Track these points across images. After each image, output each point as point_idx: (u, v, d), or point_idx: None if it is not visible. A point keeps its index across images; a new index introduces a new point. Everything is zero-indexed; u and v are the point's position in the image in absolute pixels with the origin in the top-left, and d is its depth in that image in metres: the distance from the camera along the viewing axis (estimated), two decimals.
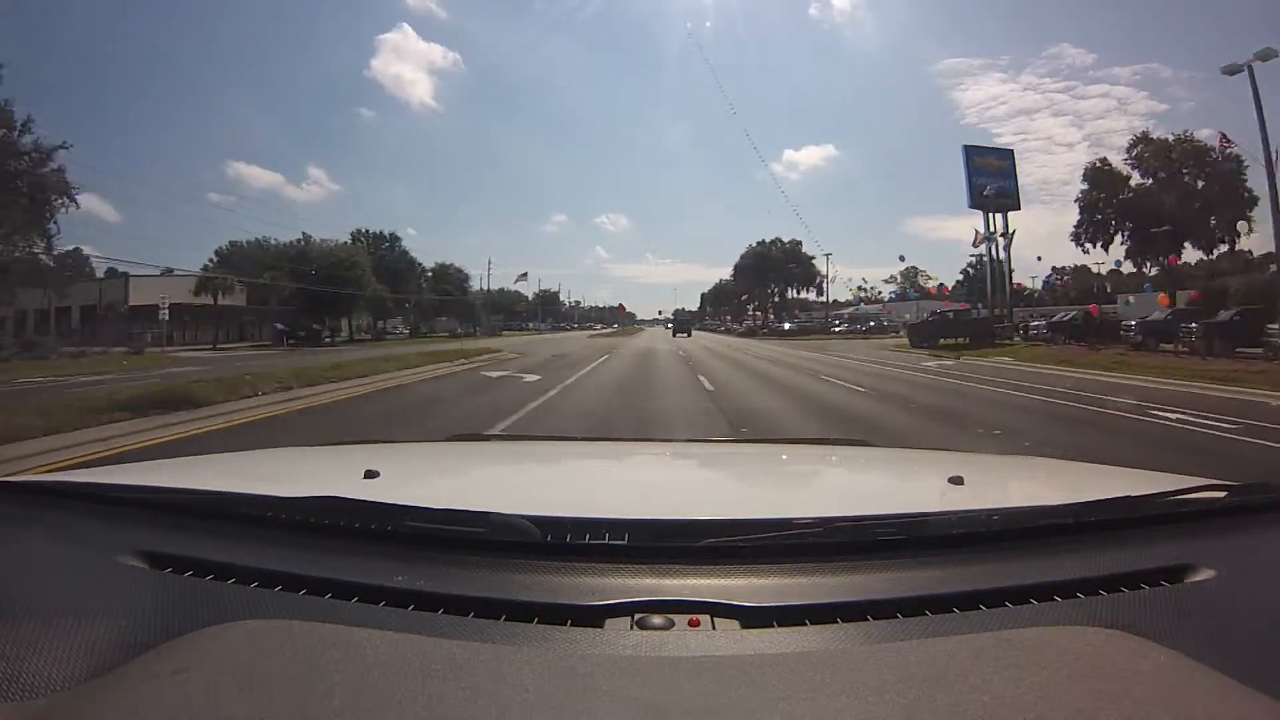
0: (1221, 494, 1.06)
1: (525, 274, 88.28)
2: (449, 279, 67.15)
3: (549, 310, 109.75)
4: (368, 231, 60.17)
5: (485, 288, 75.50)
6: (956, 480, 1.18)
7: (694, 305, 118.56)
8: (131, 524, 1.04)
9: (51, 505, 1.14)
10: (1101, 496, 1.03)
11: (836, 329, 56.04)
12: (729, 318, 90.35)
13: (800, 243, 71.84)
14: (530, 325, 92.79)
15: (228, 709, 0.56)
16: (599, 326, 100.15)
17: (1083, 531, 0.97)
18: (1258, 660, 0.70)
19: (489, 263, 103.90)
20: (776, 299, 76.39)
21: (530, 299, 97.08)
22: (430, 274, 65.41)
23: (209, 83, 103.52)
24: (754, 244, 76.42)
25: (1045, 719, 0.55)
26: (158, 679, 0.61)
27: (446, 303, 66.08)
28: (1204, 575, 0.87)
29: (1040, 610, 0.80)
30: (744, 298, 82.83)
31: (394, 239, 61.36)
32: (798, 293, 76.46)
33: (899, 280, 70.44)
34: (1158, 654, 0.66)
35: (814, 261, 71.63)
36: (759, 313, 75.86)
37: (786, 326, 57.82)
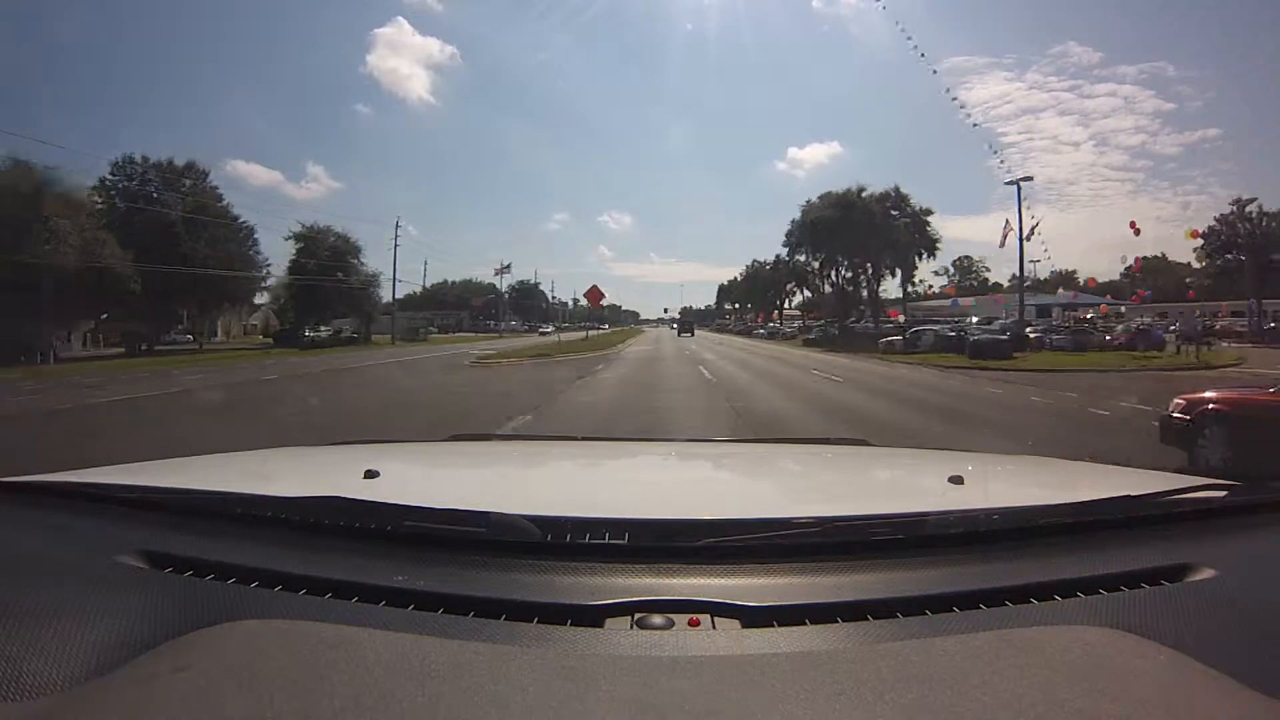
0: (1221, 493, 1.06)
1: (509, 265, 74.32)
2: (320, 252, 39.70)
3: (525, 307, 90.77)
4: (144, 159, 34.67)
5: (395, 269, 47.91)
6: (957, 480, 1.18)
7: (698, 304, 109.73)
8: (131, 524, 1.03)
9: (51, 505, 1.13)
10: (1102, 496, 1.03)
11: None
12: (762, 316, 66.59)
13: (899, 189, 39.90)
14: (501, 326, 75.69)
15: (228, 709, 0.56)
16: (551, 329, 68.40)
17: (1083, 531, 0.97)
18: (1258, 660, 0.71)
19: (397, 224, 51.42)
20: (850, 284, 43.29)
21: (503, 292, 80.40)
22: (297, 243, 39.48)
23: (206, 80, 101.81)
24: (815, 198, 42.24)
25: (1045, 719, 0.55)
26: (158, 679, 0.61)
27: (335, 291, 39.53)
28: (1204, 575, 0.87)
29: (1040, 610, 0.81)
30: (789, 286, 55.53)
31: (200, 175, 35.17)
32: (876, 276, 42.30)
33: (951, 273, 57.52)
34: (1158, 654, 0.66)
35: (929, 220, 39.47)
36: (807, 309, 51.41)
37: (933, 332, 27.42)
